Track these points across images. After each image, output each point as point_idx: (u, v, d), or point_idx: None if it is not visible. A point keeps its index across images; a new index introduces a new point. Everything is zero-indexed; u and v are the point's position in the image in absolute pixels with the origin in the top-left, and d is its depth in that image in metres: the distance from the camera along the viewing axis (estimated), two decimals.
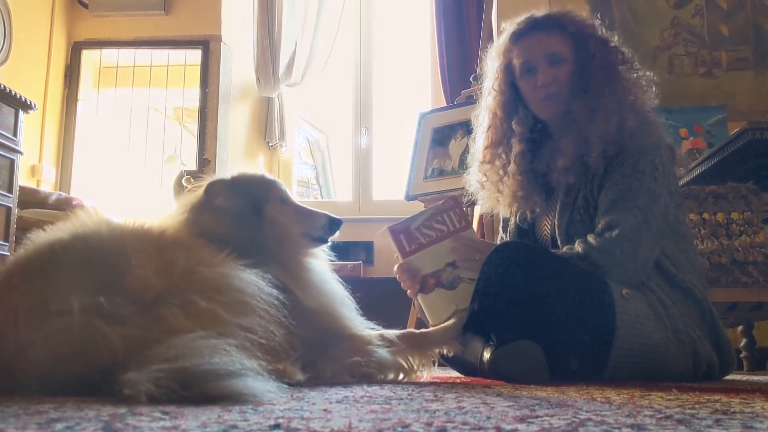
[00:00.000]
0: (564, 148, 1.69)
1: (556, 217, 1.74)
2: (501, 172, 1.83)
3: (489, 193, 1.88)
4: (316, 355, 1.41)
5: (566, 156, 1.68)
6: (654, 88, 1.77)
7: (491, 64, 1.87)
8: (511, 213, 1.92)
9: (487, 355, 1.55)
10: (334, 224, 1.57)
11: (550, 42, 1.74)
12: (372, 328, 1.55)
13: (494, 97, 1.85)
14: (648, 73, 1.79)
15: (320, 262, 1.60)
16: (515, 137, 1.82)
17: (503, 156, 1.83)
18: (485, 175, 1.87)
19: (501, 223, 2.02)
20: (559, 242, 1.72)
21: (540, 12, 1.80)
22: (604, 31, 1.80)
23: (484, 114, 1.90)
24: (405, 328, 1.62)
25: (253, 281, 1.25)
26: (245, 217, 1.49)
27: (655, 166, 1.62)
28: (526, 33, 1.76)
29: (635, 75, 1.77)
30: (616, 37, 1.81)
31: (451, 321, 1.60)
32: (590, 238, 1.60)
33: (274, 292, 1.28)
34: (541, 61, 1.73)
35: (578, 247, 1.60)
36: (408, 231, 1.68)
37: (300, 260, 1.54)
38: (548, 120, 1.80)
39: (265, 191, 1.56)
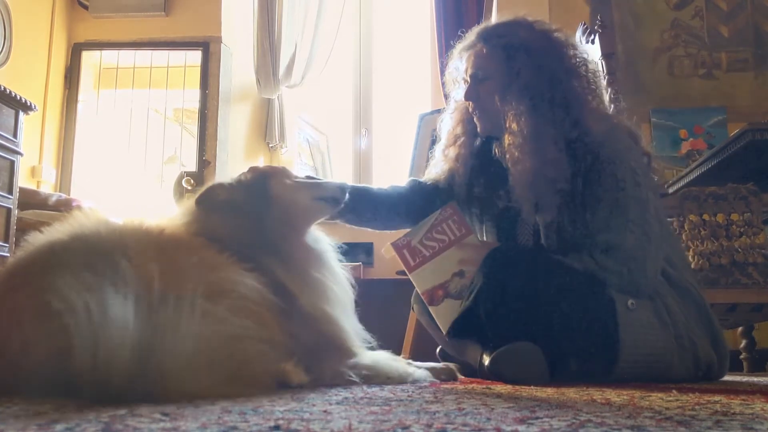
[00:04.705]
0: (519, 197, 1.65)
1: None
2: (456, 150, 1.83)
3: (438, 163, 1.87)
4: (314, 359, 1.41)
5: (523, 202, 1.65)
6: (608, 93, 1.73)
7: (451, 75, 1.86)
8: (441, 172, 1.88)
9: (486, 357, 1.54)
10: (342, 188, 1.57)
11: (475, 60, 1.73)
12: (368, 342, 1.49)
13: (456, 107, 1.87)
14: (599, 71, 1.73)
15: (328, 258, 1.56)
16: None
17: (464, 141, 1.84)
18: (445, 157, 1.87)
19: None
20: (542, 238, 1.67)
21: (491, 21, 1.78)
22: (557, 36, 1.72)
23: (449, 117, 1.90)
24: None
25: (254, 282, 1.25)
26: (251, 204, 1.46)
27: (633, 171, 1.58)
28: (465, 48, 1.76)
29: (587, 83, 1.69)
30: (570, 40, 1.73)
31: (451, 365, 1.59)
32: (595, 256, 1.55)
33: (274, 293, 1.27)
34: (469, 79, 1.74)
35: (584, 263, 1.55)
36: (410, 246, 1.69)
37: (307, 257, 1.51)
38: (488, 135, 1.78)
39: (268, 173, 1.55)
